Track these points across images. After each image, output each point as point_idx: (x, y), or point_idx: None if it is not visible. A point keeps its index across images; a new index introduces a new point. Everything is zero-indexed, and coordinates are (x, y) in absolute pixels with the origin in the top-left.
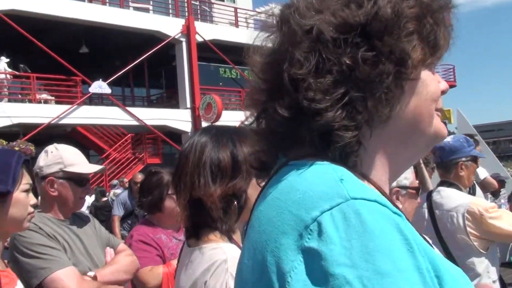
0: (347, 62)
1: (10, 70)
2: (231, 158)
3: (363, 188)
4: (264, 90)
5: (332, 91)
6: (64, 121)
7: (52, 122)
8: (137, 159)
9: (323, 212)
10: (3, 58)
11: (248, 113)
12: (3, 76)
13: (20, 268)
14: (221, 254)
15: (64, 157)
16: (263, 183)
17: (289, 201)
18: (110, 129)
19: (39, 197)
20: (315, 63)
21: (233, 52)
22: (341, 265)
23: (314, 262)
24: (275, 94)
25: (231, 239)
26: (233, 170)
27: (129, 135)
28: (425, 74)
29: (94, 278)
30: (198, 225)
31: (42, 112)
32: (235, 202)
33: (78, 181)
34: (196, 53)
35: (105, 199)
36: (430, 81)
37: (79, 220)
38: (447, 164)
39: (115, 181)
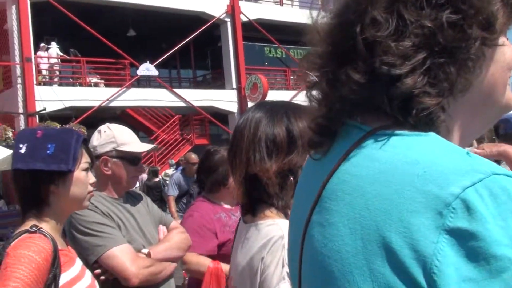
0: (430, 25)
1: (61, 54)
2: (287, 133)
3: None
4: (331, 54)
5: (412, 55)
6: (114, 103)
7: (102, 105)
8: (185, 140)
9: (464, 188)
10: (53, 43)
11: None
12: (55, 60)
13: (77, 245)
14: (278, 230)
15: (117, 136)
16: (322, 153)
17: (409, 176)
18: (158, 111)
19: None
20: (395, 25)
21: (278, 31)
22: (503, 245)
23: (466, 244)
24: (345, 58)
25: (287, 216)
26: (289, 145)
27: (177, 116)
28: (502, 40)
29: (148, 255)
30: (254, 201)
31: (93, 95)
32: (291, 178)
33: (131, 160)
34: (241, 33)
35: (157, 179)
36: (507, 48)
37: (132, 198)
38: None
39: (171, 161)
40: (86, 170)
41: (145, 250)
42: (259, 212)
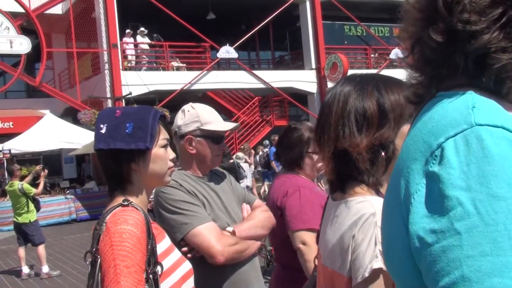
0: None
1: (148, 40)
2: (377, 106)
3: (495, 114)
4: (418, 20)
5: (488, 11)
6: (195, 86)
7: (184, 88)
8: (265, 122)
9: (447, 138)
10: (142, 29)
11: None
12: (145, 46)
13: (164, 223)
14: (369, 207)
15: (200, 116)
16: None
17: (424, 129)
18: (238, 93)
19: (178, 155)
20: None
21: (358, 9)
22: (456, 188)
23: (433, 186)
24: (429, 22)
25: (378, 192)
26: (380, 119)
27: (257, 98)
28: None
29: (233, 233)
30: (344, 178)
31: (175, 79)
32: (383, 153)
33: (215, 138)
34: (320, 12)
35: (231, 161)
36: None
37: (216, 177)
38: None
39: (266, 141)
40: (164, 146)
41: (229, 228)
42: (349, 189)
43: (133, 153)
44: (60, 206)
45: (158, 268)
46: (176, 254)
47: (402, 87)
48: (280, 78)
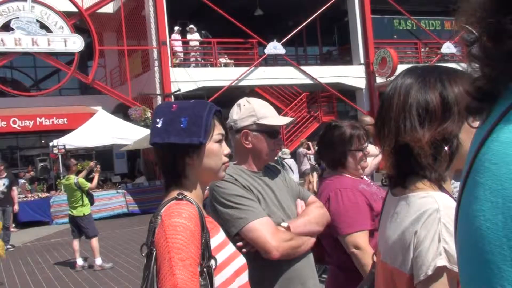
0: None
1: (200, 38)
2: (441, 99)
3: None
4: (496, 2)
5: None
6: (243, 82)
7: (232, 84)
8: (312, 118)
9: None
10: (191, 26)
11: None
12: (193, 43)
13: (219, 217)
14: (432, 203)
15: (256, 110)
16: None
17: None
18: (285, 89)
19: (233, 150)
20: None
21: (408, 2)
22: None
23: None
24: (508, 6)
25: (441, 188)
26: (443, 112)
27: (304, 94)
28: None
29: (288, 228)
30: (405, 173)
31: (223, 75)
32: (446, 148)
33: (271, 133)
34: (369, 6)
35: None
36: None
37: (271, 172)
38: None
39: (303, 140)
40: (219, 141)
41: (284, 224)
42: (410, 184)
43: (188, 148)
44: (112, 200)
45: (212, 262)
46: (230, 248)
47: (466, 79)
48: (327, 74)
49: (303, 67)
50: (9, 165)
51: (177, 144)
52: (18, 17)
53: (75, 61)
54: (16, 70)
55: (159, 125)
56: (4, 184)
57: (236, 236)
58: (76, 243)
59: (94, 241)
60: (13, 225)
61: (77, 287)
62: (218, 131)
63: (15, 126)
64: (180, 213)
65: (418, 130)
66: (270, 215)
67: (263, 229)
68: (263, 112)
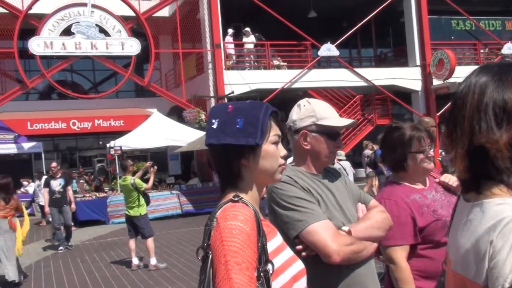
0: None
1: (255, 40)
2: None
3: None
4: None
5: None
6: (296, 85)
7: (285, 86)
8: (366, 121)
9: None
10: (247, 29)
11: None
12: (247, 46)
13: (278, 219)
14: (510, 210)
15: (316, 111)
16: None
17: None
18: (339, 91)
19: (291, 151)
20: None
21: (467, 2)
22: None
23: None
24: None
25: None
26: None
27: (358, 96)
28: None
29: (349, 232)
30: (479, 177)
31: (276, 77)
32: None
33: (331, 134)
34: (426, 6)
35: None
36: None
37: (330, 175)
38: None
39: (366, 142)
40: (275, 143)
41: (345, 228)
42: (485, 189)
43: (243, 149)
44: (166, 201)
45: (269, 266)
46: (288, 252)
47: None
48: (382, 76)
49: (357, 69)
50: (68, 165)
51: (232, 145)
52: (78, 22)
53: (132, 64)
54: (76, 73)
55: (214, 126)
56: (60, 184)
57: (295, 239)
58: (132, 243)
59: (150, 241)
60: (72, 224)
61: (133, 286)
62: (274, 132)
63: (74, 127)
64: (236, 215)
65: (495, 131)
66: (330, 219)
67: (324, 232)
68: (323, 113)
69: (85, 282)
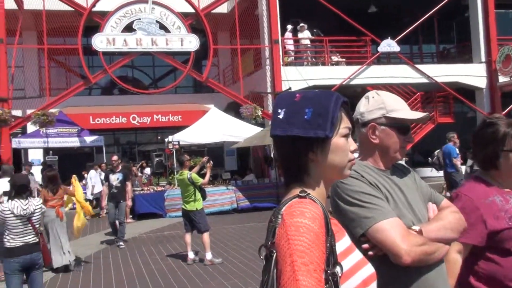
0: None
1: (312, 36)
2: None
3: None
4: None
5: None
6: (355, 81)
7: (343, 83)
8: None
9: None
10: (302, 24)
11: None
12: (305, 41)
13: (343, 216)
14: None
15: (386, 103)
16: None
17: None
18: (399, 88)
19: (359, 145)
20: None
21: None
22: None
23: None
24: None
25: None
26: None
27: (419, 93)
28: None
29: (419, 232)
30: None
31: (334, 73)
32: None
33: (401, 128)
34: (493, 0)
35: None
36: None
37: (399, 171)
38: None
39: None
40: (346, 136)
41: (415, 227)
42: None
43: (311, 142)
44: (222, 196)
45: (338, 268)
46: (357, 255)
47: None
48: (444, 72)
49: (418, 66)
50: (128, 159)
51: (300, 137)
52: (139, 18)
53: (191, 60)
54: (137, 69)
55: (281, 116)
56: (118, 179)
57: (361, 237)
58: (188, 237)
59: (206, 236)
60: (130, 216)
61: (188, 280)
62: (345, 124)
63: (134, 122)
64: (303, 212)
65: None
66: (399, 217)
67: (393, 231)
68: (394, 105)
69: (142, 274)
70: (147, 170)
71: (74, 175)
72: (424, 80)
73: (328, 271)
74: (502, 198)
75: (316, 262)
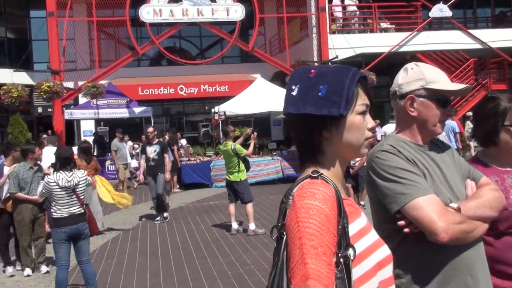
0: None
1: (356, 2)
2: None
3: None
4: None
5: None
6: (404, 48)
7: (392, 50)
8: (480, 86)
9: None
10: None
11: None
12: (353, 8)
13: (377, 191)
14: None
15: (426, 74)
16: None
17: None
18: (451, 55)
19: (395, 119)
20: None
21: None
22: None
23: None
24: None
25: None
26: None
27: (472, 59)
28: None
29: (457, 210)
30: None
31: (382, 41)
32: None
33: (441, 100)
34: None
35: None
36: None
37: (436, 147)
38: None
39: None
40: (362, 113)
41: (453, 205)
42: None
43: (325, 120)
44: (267, 166)
45: (350, 251)
46: (373, 236)
47: None
48: (500, 37)
49: (471, 31)
50: (176, 129)
51: (313, 115)
52: None
53: (237, 29)
54: (184, 40)
55: (294, 93)
56: (155, 151)
57: (397, 213)
58: (232, 207)
59: (249, 207)
60: (177, 186)
61: (231, 249)
62: (362, 101)
63: (182, 93)
64: (314, 193)
65: None
66: (436, 194)
67: (430, 208)
68: (433, 76)
69: (187, 243)
70: (183, 141)
71: (97, 176)
72: (478, 46)
73: (340, 254)
74: (499, 178)
75: (326, 245)
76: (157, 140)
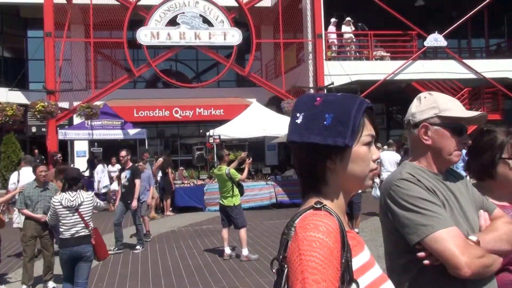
0: None
1: (357, 30)
2: None
3: None
4: None
5: None
6: (399, 76)
7: (387, 78)
8: None
9: None
10: (348, 18)
11: None
12: (349, 36)
13: (395, 221)
14: None
15: (439, 102)
16: None
17: None
18: (445, 84)
19: (409, 148)
20: None
21: None
22: None
23: None
24: None
25: None
26: None
27: (466, 89)
28: None
29: (477, 243)
30: None
31: (378, 68)
32: None
33: (455, 128)
34: None
35: None
36: None
37: (452, 176)
38: None
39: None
40: (368, 144)
41: (472, 237)
42: None
43: (330, 149)
44: (261, 191)
45: (353, 286)
46: (376, 271)
47: None
48: (494, 68)
49: (466, 61)
50: (170, 152)
51: (318, 144)
52: (183, 12)
53: (233, 54)
54: (180, 63)
55: (299, 121)
56: (126, 177)
57: (416, 245)
58: (225, 232)
59: (243, 232)
60: (170, 209)
61: (224, 275)
62: (367, 131)
63: (177, 115)
64: (317, 225)
65: None
66: (455, 225)
67: (452, 241)
68: (447, 104)
69: (179, 268)
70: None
71: None
72: (472, 76)
73: None
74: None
75: (328, 280)
76: (130, 164)
